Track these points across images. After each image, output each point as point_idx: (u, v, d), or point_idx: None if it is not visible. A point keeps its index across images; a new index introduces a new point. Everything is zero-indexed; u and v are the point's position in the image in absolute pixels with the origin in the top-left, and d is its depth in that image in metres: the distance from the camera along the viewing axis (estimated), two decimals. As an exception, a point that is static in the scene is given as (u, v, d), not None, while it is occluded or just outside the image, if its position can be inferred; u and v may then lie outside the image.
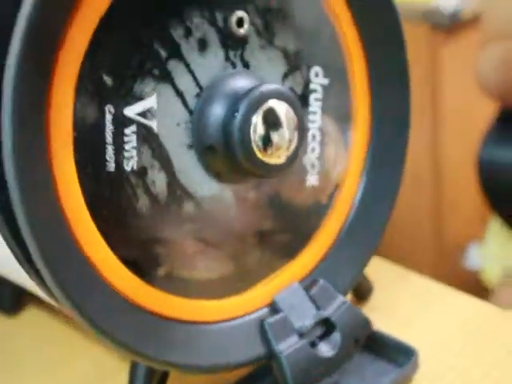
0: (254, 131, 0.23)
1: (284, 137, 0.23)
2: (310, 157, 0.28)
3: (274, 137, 0.23)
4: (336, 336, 0.27)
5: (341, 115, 0.28)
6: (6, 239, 0.21)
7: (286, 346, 0.26)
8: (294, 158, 0.24)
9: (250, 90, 0.23)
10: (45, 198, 0.20)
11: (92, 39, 0.21)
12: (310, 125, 0.27)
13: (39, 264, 0.20)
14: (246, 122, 0.22)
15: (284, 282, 0.28)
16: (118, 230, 0.22)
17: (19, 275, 0.23)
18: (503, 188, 0.71)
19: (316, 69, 0.27)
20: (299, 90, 0.27)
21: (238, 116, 0.23)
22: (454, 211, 1.20)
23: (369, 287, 0.33)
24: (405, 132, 0.30)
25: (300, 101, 0.27)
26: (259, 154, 0.23)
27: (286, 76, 0.26)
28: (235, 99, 0.23)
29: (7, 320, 0.36)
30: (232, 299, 0.26)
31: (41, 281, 0.21)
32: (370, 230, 0.29)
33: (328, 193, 0.29)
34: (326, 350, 0.27)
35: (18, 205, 0.19)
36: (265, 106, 0.23)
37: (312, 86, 0.27)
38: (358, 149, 0.29)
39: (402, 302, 0.34)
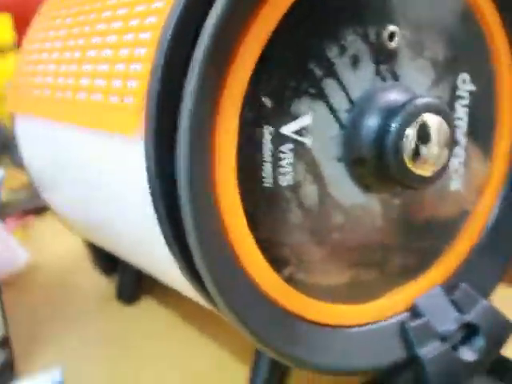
0: (407, 144, 0.23)
1: (434, 150, 0.24)
2: (454, 162, 0.28)
3: (427, 149, 0.23)
4: (479, 340, 0.27)
5: (487, 122, 0.28)
6: (176, 258, 0.23)
7: (429, 350, 0.27)
8: (444, 170, 0.24)
9: (405, 104, 0.23)
10: (211, 217, 0.22)
11: (254, 66, 0.22)
12: (456, 130, 0.27)
13: (209, 286, 0.22)
14: (401, 135, 0.23)
15: (425, 285, 0.28)
16: (271, 240, 0.24)
17: (180, 285, 0.25)
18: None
19: (463, 75, 0.27)
20: (446, 97, 0.27)
21: (393, 129, 0.23)
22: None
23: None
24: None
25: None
26: (411, 166, 0.23)
27: (434, 85, 0.26)
28: (388, 113, 0.23)
29: (127, 308, 0.39)
30: (372, 304, 0.27)
31: (204, 292, 0.23)
32: (510, 235, 0.29)
33: (469, 198, 0.29)
34: (469, 354, 0.27)
35: (189, 227, 0.21)
36: (419, 120, 0.23)
37: (459, 93, 0.27)
38: (501, 157, 0.29)
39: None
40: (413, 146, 0.23)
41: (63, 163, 0.31)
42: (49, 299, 0.41)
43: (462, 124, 0.27)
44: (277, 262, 0.24)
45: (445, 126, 0.24)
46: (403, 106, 0.23)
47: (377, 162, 0.24)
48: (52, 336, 0.36)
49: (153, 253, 0.25)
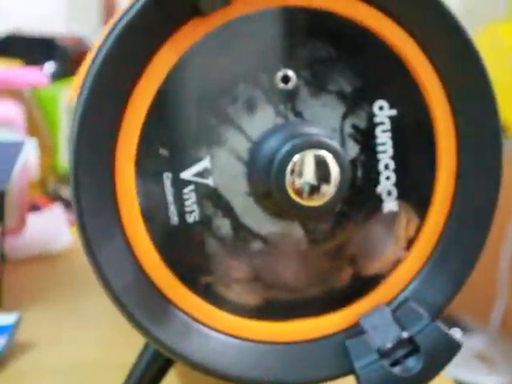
0: (288, 176, 0.25)
1: (323, 185, 0.25)
2: (386, 184, 0.29)
3: (303, 183, 0.25)
4: (418, 357, 0.28)
5: (422, 151, 0.29)
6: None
7: (365, 366, 0.28)
8: (333, 204, 0.26)
9: (290, 140, 0.26)
10: (122, 255, 0.26)
11: (146, 118, 0.26)
12: (381, 155, 0.28)
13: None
14: (282, 169, 0.25)
15: (371, 303, 0.29)
16: (187, 265, 0.27)
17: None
18: None
19: (380, 102, 0.28)
20: (363, 125, 0.28)
21: (275, 164, 0.25)
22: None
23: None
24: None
25: (364, 135, 0.28)
26: (294, 198, 0.25)
27: (345, 116, 0.28)
28: (275, 150, 0.26)
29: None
30: (309, 321, 0.29)
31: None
32: (462, 256, 0.29)
33: (411, 221, 0.29)
34: (405, 369, 0.28)
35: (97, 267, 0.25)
36: (301, 155, 0.25)
37: (377, 119, 0.28)
38: (446, 172, 0.29)
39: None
40: (292, 179, 0.25)
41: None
42: (65, 278, 0.51)
43: (387, 148, 0.28)
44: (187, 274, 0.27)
45: (332, 164, 0.25)
46: (285, 143, 0.26)
47: (276, 195, 0.26)
48: (45, 302, 0.45)
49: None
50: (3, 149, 0.44)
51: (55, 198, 0.68)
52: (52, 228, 0.57)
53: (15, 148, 0.44)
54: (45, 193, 0.69)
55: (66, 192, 0.69)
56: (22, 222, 0.53)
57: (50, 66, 0.78)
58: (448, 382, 0.37)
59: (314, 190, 0.25)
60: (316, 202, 0.26)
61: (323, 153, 0.25)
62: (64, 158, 0.72)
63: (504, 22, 1.25)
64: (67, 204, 0.66)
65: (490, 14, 1.25)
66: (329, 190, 0.26)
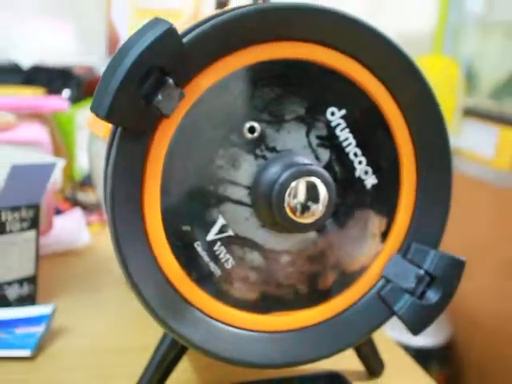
0: (286, 204, 0.31)
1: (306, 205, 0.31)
2: (361, 167, 0.35)
3: (299, 206, 0.31)
4: (437, 283, 0.35)
5: (373, 126, 0.35)
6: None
7: (401, 305, 0.35)
8: (324, 219, 0.32)
9: (280, 175, 0.31)
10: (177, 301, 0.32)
11: (162, 210, 0.31)
12: (348, 148, 0.34)
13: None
14: (281, 199, 0.31)
15: (386, 256, 0.36)
16: (232, 291, 0.34)
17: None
18: None
19: (330, 110, 0.33)
20: (324, 132, 0.34)
21: (274, 195, 0.31)
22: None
23: (381, 364, 0.41)
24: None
25: (329, 139, 0.34)
26: (293, 217, 0.31)
27: (308, 133, 0.33)
28: (269, 187, 0.32)
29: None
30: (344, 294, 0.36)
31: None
32: (439, 190, 0.36)
33: (387, 189, 0.36)
34: (432, 296, 0.35)
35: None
36: (296, 182, 0.31)
37: (334, 123, 0.34)
38: (402, 137, 0.35)
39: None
40: (289, 203, 0.31)
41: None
42: (87, 270, 0.59)
43: (350, 140, 0.34)
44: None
45: (320, 188, 0.31)
46: (278, 179, 0.31)
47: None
48: (72, 292, 0.53)
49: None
50: (39, 169, 0.50)
51: (73, 202, 0.78)
52: (74, 228, 0.66)
53: (48, 168, 0.50)
54: (63, 198, 0.79)
55: (82, 197, 0.81)
56: (49, 225, 0.62)
57: (66, 93, 0.91)
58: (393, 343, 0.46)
59: (305, 208, 0.31)
60: (309, 219, 0.32)
61: (313, 179, 0.31)
62: (78, 166, 0.82)
63: (429, 56, 1.53)
64: (84, 207, 0.77)
65: (417, 50, 1.49)
66: (318, 209, 0.31)
